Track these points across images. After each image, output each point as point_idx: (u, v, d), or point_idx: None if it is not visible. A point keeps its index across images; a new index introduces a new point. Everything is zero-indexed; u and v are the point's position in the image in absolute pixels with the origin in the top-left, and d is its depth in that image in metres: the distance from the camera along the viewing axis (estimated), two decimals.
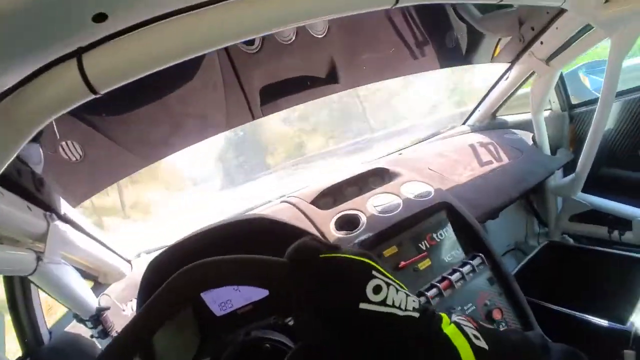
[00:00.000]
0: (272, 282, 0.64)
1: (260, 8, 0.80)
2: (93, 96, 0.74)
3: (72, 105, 0.75)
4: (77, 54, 0.70)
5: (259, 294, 1.14)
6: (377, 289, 0.57)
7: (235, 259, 0.64)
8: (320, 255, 0.61)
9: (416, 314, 0.58)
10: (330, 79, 1.85)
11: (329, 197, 1.82)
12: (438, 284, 1.40)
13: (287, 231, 1.27)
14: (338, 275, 0.60)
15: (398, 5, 0.95)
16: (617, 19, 1.50)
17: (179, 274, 0.64)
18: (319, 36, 1.64)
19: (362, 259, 0.61)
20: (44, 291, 1.23)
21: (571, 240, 2.47)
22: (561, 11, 1.74)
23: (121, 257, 1.66)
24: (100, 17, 0.66)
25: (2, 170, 0.76)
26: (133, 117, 1.48)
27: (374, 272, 0.59)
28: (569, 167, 2.34)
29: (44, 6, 0.58)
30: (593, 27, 1.74)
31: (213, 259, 0.64)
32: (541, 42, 2.02)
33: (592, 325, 1.59)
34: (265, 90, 1.73)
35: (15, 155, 0.78)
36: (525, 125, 2.49)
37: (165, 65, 0.79)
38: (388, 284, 0.59)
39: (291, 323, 0.85)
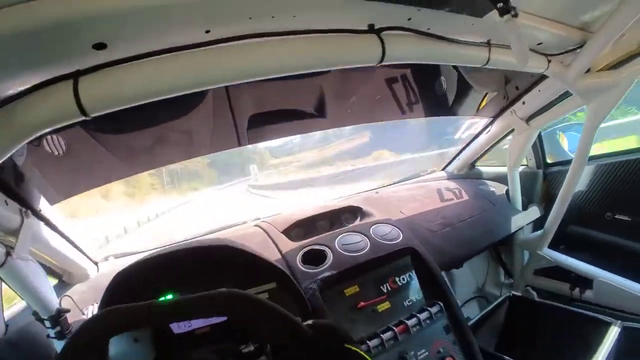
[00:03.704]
0: (295, 342, 0.72)
1: (253, 56, 0.87)
2: (83, 118, 0.78)
3: (62, 123, 0.78)
4: (74, 77, 0.75)
5: (217, 317, 1.12)
6: None
7: (266, 303, 0.72)
8: (346, 345, 0.72)
9: None
10: (318, 115, 1.89)
11: (301, 228, 1.85)
12: (394, 328, 1.43)
13: (255, 262, 1.30)
14: None
15: (383, 63, 1.02)
16: (595, 89, 1.60)
17: (215, 295, 0.71)
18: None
19: None
20: (7, 285, 1.20)
21: (534, 294, 2.51)
22: (544, 76, 1.83)
23: (89, 258, 1.66)
24: (99, 46, 0.71)
25: None
26: (121, 125, 1.49)
27: None
28: (539, 222, 2.41)
29: (49, 28, 0.62)
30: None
31: (249, 295, 0.72)
32: (523, 102, 2.12)
33: None
34: (254, 118, 1.76)
35: (2, 160, 0.80)
36: (501, 178, 2.57)
37: (157, 98, 0.83)
38: None
39: (245, 351, 0.86)
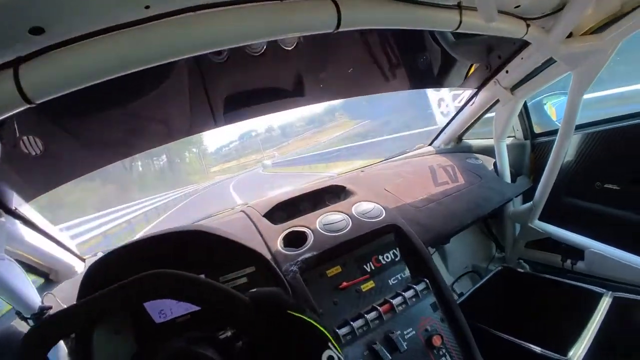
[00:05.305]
0: (237, 316, 0.72)
1: (197, 29, 0.82)
2: (27, 105, 0.75)
3: (7, 113, 0.75)
4: (14, 64, 0.71)
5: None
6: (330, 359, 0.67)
7: (204, 281, 0.72)
8: (288, 311, 0.71)
9: None
10: (296, 93, 1.85)
11: (283, 211, 1.82)
12: (378, 307, 1.40)
13: (231, 246, 1.29)
14: (300, 335, 0.70)
15: (340, 30, 0.95)
16: (579, 55, 1.56)
17: (145, 276, 0.70)
18: (288, 48, 1.64)
19: (322, 328, 0.71)
20: None
21: (527, 266, 2.52)
22: (527, 43, 1.78)
23: (75, 254, 1.64)
24: (37, 30, 0.67)
25: None
26: (97, 116, 1.46)
27: (329, 344, 0.69)
28: (529, 195, 2.38)
29: None
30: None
31: (182, 274, 0.71)
32: (506, 71, 2.07)
33: (533, 355, 1.61)
34: (230, 99, 1.73)
35: None
36: (489, 151, 2.53)
37: (101, 79, 0.79)
38: (339, 359, 0.68)
39: (222, 337, 0.84)
